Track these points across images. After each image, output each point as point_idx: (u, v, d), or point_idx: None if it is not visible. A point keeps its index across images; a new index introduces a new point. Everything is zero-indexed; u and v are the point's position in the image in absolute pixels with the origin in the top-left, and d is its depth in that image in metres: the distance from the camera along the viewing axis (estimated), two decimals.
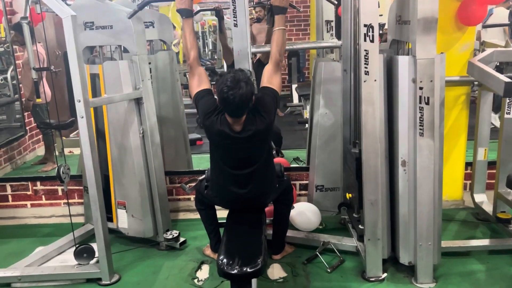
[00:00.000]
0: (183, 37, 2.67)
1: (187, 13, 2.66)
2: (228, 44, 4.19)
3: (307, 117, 3.86)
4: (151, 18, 3.79)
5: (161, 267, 2.97)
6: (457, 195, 3.67)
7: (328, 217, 3.51)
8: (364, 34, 2.45)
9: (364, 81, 2.51)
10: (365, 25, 2.44)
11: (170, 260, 3.05)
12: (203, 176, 2.84)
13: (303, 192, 3.77)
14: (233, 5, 2.79)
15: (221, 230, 2.87)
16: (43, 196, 3.82)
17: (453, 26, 3.31)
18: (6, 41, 4.49)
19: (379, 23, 2.46)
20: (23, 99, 4.55)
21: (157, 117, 3.21)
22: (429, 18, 2.37)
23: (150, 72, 3.15)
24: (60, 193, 3.80)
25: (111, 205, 3.22)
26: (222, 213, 2.88)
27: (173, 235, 3.16)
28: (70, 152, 4.76)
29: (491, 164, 3.42)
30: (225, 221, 2.68)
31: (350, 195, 2.94)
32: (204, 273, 2.90)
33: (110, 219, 3.17)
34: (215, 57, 8.66)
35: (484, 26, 4.74)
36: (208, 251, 3.08)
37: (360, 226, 2.87)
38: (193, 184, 3.03)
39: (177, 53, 4.22)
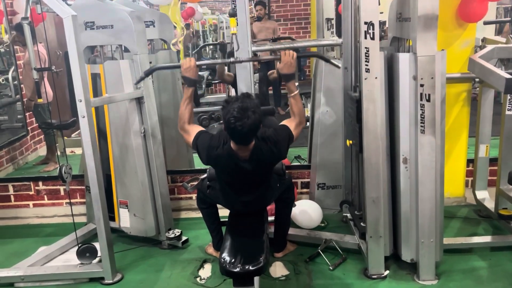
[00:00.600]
0: (182, 101, 2.62)
1: (190, 83, 2.62)
2: (226, 76, 4.15)
3: (308, 115, 3.86)
4: (151, 17, 3.79)
5: (164, 266, 2.98)
6: (459, 192, 3.67)
7: (330, 215, 3.52)
8: (365, 31, 2.45)
9: (365, 79, 2.51)
10: (365, 23, 2.44)
11: (173, 259, 3.06)
12: (205, 175, 2.84)
13: (304, 190, 3.78)
14: (233, 3, 2.79)
15: (223, 228, 2.89)
16: (45, 196, 3.83)
17: (454, 23, 3.31)
18: (7, 42, 4.50)
19: (379, 21, 2.46)
20: (25, 99, 4.56)
21: (158, 116, 3.22)
22: (430, 15, 2.37)
23: None
24: (62, 193, 3.81)
25: (113, 205, 3.23)
26: (224, 212, 2.88)
27: (175, 234, 3.17)
28: (72, 152, 4.76)
29: (493, 161, 3.42)
30: (227, 219, 2.69)
31: (350, 142, 2.89)
32: (206, 271, 2.90)
33: (112, 218, 3.18)
34: (216, 56, 8.67)
35: (486, 23, 4.73)
36: (211, 250, 3.09)
37: (362, 224, 2.87)
38: (195, 183, 3.04)
39: (178, 52, 4.21)
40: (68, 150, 4.50)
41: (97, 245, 2.82)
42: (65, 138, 5.04)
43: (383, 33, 4.03)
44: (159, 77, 3.88)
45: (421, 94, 2.46)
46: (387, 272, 2.73)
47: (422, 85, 2.45)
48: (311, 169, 3.65)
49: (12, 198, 3.83)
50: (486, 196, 3.49)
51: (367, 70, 2.49)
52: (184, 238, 3.22)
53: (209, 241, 3.13)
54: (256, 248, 2.28)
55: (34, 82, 3.50)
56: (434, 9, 2.37)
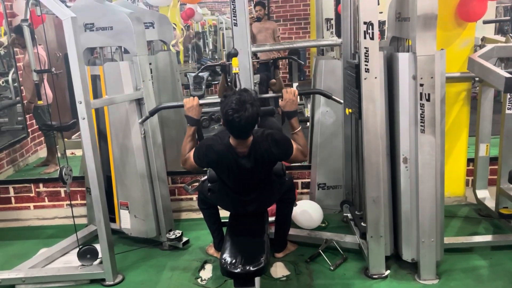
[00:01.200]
0: (184, 138, 2.62)
1: (192, 122, 2.63)
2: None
3: (308, 115, 3.86)
4: (151, 18, 3.79)
5: (165, 267, 2.98)
6: (459, 192, 3.67)
7: (330, 215, 3.52)
8: (364, 31, 2.45)
9: (365, 79, 2.51)
10: (364, 23, 2.44)
11: (173, 260, 3.06)
12: (205, 176, 2.84)
13: (305, 190, 3.78)
14: (232, 4, 2.79)
15: (224, 229, 2.89)
16: (45, 198, 3.83)
17: (453, 22, 3.31)
18: (6, 44, 4.51)
19: (378, 21, 2.46)
20: (25, 101, 4.56)
21: (158, 117, 3.22)
22: (429, 15, 2.37)
23: (151, 72, 3.16)
24: (62, 194, 3.81)
25: (114, 206, 3.23)
26: (225, 212, 2.88)
27: (176, 235, 3.17)
28: (72, 153, 4.78)
29: (493, 160, 3.42)
30: (227, 220, 2.69)
31: (350, 110, 2.88)
32: (207, 272, 2.90)
33: (113, 219, 3.17)
34: (216, 57, 8.68)
35: (485, 22, 4.73)
36: (211, 250, 3.09)
37: (362, 224, 2.87)
38: (196, 184, 3.04)
39: (178, 53, 4.22)
40: (68, 152, 4.51)
41: (98, 246, 2.81)
42: (65, 139, 5.04)
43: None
44: (159, 79, 3.88)
45: (420, 93, 2.46)
46: (388, 271, 2.73)
47: (421, 85, 2.45)
48: (311, 169, 3.65)
49: (13, 200, 3.83)
50: (486, 195, 3.49)
51: (367, 70, 2.49)
52: (184, 239, 3.22)
53: (209, 242, 3.13)
54: (257, 249, 2.28)
55: (34, 84, 3.51)
56: (433, 8, 2.37)
